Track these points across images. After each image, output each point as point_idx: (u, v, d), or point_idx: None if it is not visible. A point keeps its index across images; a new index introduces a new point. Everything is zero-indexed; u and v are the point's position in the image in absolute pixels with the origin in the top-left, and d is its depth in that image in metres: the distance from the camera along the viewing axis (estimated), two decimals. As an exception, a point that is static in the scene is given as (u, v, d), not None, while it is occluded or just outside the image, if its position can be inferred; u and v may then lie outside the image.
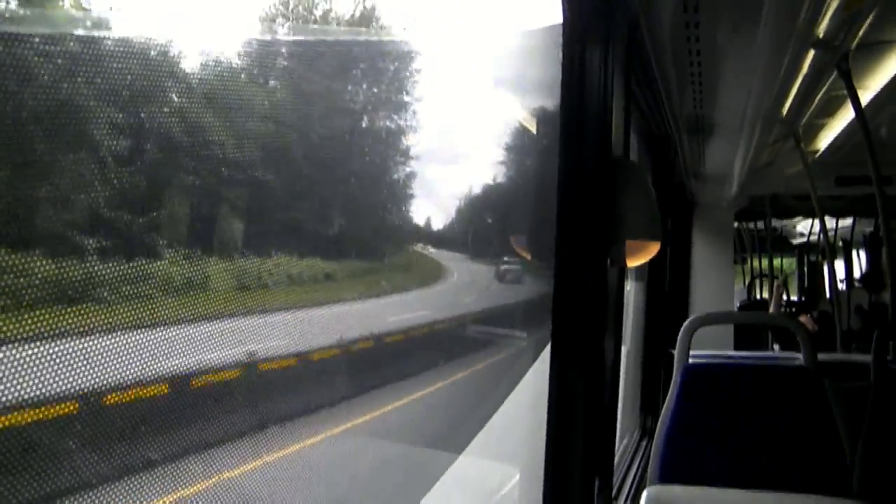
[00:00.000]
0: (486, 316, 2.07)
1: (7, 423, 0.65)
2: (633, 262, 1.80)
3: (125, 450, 0.74)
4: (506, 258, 2.05)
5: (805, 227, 10.34)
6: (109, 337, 0.68)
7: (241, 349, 0.94)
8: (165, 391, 0.78)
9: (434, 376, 1.69)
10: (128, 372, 0.71)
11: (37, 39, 0.68)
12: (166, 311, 0.79)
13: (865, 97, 3.16)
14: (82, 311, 0.66)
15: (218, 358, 0.88)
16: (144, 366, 0.73)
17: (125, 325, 0.71)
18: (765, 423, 2.68)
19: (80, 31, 0.79)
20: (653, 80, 2.66)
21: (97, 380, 0.67)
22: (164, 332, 0.78)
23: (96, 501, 0.71)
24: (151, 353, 0.75)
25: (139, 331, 0.73)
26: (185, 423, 0.83)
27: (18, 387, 0.64)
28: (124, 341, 0.70)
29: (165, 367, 0.77)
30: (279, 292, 1.05)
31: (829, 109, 3.66)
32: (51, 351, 0.64)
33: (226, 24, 1.07)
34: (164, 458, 0.78)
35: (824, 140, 4.33)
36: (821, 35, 2.41)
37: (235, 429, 0.94)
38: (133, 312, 0.74)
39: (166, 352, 0.77)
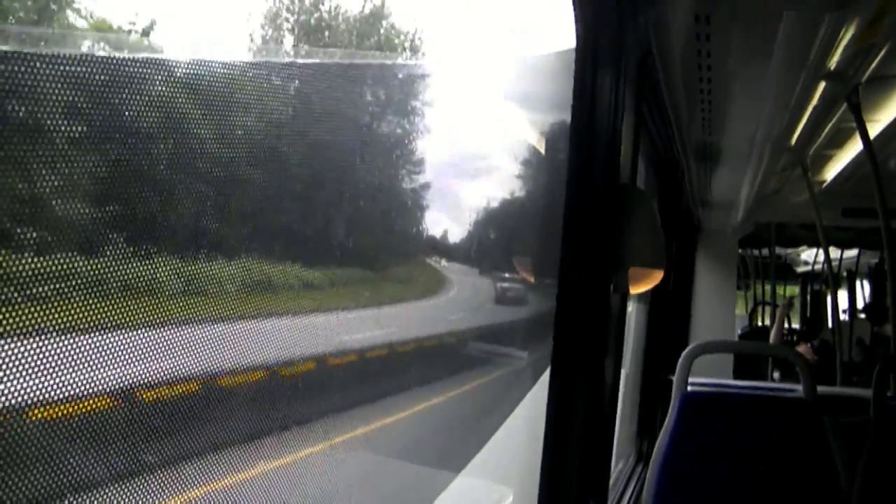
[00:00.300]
0: (483, 335, 2.07)
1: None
2: (635, 290, 1.80)
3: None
4: (506, 275, 2.04)
5: (809, 256, 10.35)
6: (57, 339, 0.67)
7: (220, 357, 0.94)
8: (107, 405, 0.75)
9: (428, 395, 1.68)
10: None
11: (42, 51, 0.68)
12: (133, 314, 0.78)
13: (874, 130, 3.16)
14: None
15: (194, 366, 0.88)
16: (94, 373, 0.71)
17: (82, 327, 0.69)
18: (762, 455, 2.67)
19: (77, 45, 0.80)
20: (663, 106, 2.66)
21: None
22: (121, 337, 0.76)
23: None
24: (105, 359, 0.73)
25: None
26: (139, 440, 0.81)
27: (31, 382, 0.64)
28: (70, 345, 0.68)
29: (118, 374, 0.75)
30: (266, 299, 1.05)
31: (838, 140, 3.66)
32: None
33: (234, 32, 1.08)
34: (109, 478, 0.76)
35: (832, 171, 4.34)
36: (832, 67, 2.42)
37: (223, 440, 0.93)
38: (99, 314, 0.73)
39: (120, 359, 0.75)
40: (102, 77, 0.72)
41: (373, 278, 1.44)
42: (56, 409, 0.69)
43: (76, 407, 0.71)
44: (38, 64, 0.65)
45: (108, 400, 0.75)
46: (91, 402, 0.72)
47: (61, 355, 0.67)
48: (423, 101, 1.46)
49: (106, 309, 0.73)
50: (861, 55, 2.35)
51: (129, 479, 0.79)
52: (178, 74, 0.89)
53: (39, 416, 0.67)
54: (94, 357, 0.71)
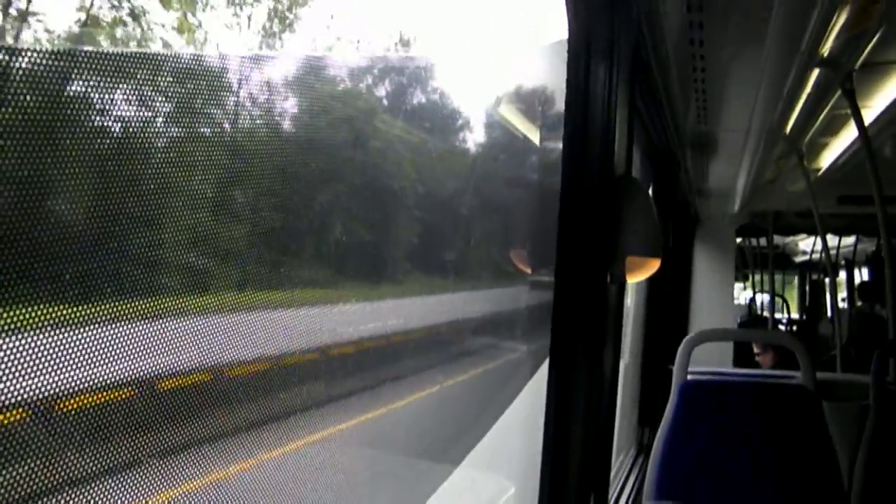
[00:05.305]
0: (480, 327, 2.06)
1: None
2: (633, 279, 1.80)
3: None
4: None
5: (807, 245, 10.37)
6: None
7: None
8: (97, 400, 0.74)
9: (427, 386, 1.68)
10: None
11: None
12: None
13: (869, 116, 3.16)
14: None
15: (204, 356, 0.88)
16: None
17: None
18: (763, 443, 2.67)
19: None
20: (657, 96, 2.66)
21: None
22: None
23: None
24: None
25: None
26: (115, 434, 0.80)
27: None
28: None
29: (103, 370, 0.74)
30: (265, 293, 1.05)
31: (833, 128, 3.66)
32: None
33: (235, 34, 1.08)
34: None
35: (827, 158, 4.34)
36: (825, 54, 2.42)
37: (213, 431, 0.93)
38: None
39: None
40: (85, 69, 0.72)
41: (369, 274, 1.44)
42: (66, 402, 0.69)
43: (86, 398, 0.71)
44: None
45: (118, 391, 0.75)
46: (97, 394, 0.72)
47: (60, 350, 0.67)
48: (415, 95, 1.46)
49: (108, 305, 0.73)
50: (854, 41, 2.35)
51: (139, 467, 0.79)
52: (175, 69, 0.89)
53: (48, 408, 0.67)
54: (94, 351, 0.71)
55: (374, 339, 1.43)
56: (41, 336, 0.65)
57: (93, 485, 0.72)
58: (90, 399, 0.73)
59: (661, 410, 2.87)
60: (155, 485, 0.82)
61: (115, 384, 0.76)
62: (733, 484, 2.65)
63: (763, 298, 10.60)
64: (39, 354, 0.65)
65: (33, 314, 0.64)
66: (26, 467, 0.65)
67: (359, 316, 1.35)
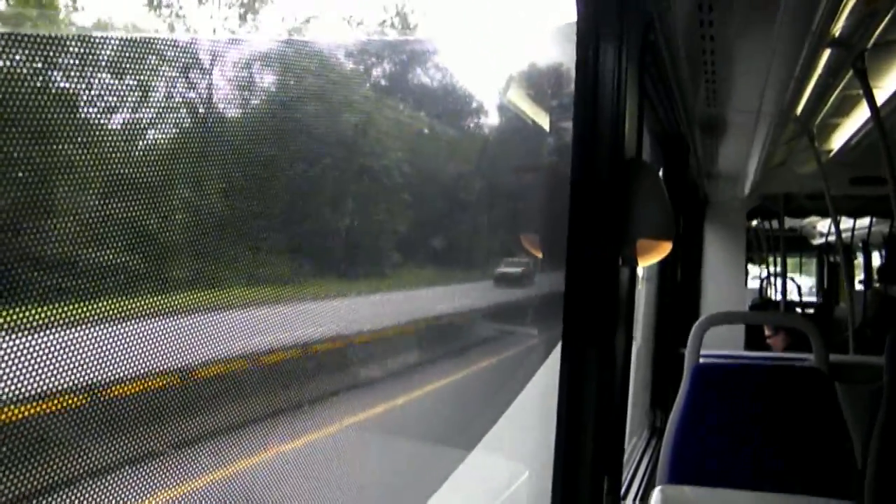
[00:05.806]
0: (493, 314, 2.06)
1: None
2: (644, 262, 1.80)
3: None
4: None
5: (825, 227, 10.31)
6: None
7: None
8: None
9: (442, 373, 1.68)
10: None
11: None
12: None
13: (881, 97, 3.13)
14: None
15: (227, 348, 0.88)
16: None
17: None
18: (775, 425, 2.67)
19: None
20: (666, 78, 2.65)
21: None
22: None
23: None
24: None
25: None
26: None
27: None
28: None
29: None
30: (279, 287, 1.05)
31: (844, 109, 3.63)
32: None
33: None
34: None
35: (839, 139, 4.31)
36: (837, 34, 2.39)
37: (238, 418, 0.94)
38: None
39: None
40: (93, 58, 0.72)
41: (384, 265, 1.44)
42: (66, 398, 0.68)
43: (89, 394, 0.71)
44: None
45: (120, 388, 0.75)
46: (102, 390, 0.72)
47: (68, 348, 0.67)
48: (424, 78, 1.46)
49: (116, 302, 0.73)
50: (866, 21, 2.32)
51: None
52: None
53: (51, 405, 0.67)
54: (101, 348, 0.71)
55: (399, 328, 1.44)
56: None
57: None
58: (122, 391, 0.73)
59: (674, 393, 2.87)
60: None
61: (140, 376, 0.76)
62: (746, 466, 2.65)
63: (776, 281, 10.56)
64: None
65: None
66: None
67: (385, 306, 1.36)
